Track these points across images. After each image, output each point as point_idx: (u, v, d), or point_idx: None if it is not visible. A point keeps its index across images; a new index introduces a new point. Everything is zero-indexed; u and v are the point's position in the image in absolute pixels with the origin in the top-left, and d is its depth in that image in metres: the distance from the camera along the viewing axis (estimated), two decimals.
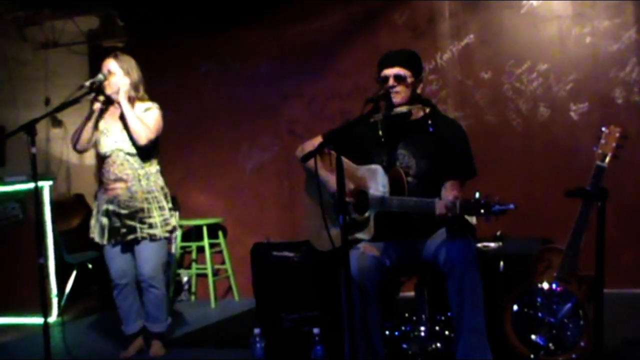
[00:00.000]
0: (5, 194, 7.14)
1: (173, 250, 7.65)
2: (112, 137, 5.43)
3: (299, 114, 7.60)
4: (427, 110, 4.43)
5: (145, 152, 5.42)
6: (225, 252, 7.74)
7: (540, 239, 5.45)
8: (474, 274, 4.05)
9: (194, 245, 7.85)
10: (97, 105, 5.40)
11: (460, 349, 4.08)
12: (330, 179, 4.38)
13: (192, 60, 8.01)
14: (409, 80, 4.31)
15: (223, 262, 7.79)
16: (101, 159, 5.51)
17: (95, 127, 5.44)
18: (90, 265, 7.47)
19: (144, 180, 5.41)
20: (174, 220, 5.57)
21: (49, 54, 8.89)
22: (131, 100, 5.39)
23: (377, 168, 4.26)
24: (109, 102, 5.44)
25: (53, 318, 6.94)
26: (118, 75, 5.35)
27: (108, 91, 5.35)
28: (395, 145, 4.39)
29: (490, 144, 6.69)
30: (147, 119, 5.37)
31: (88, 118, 5.43)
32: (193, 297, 7.92)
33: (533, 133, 6.69)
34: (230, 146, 7.89)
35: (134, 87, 5.40)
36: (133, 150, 5.38)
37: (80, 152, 5.71)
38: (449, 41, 6.96)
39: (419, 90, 4.41)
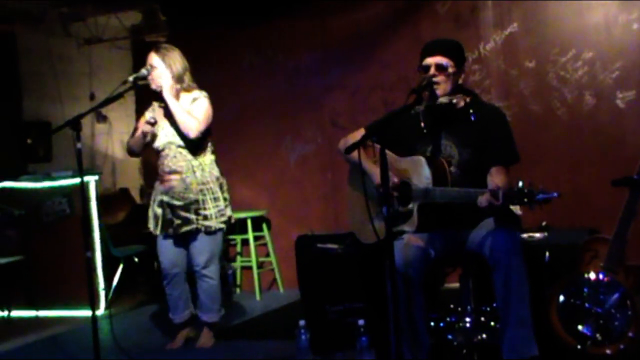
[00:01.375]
0: (53, 189, 7.22)
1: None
2: (163, 131, 5.46)
3: (342, 105, 7.59)
4: (469, 99, 4.40)
5: (196, 144, 5.43)
6: (269, 245, 7.76)
7: (587, 229, 5.40)
8: (520, 266, 4.02)
9: (238, 237, 7.87)
10: (143, 129, 5.43)
11: (506, 343, 4.06)
12: (373, 171, 4.37)
13: (234, 53, 8.03)
14: (451, 69, 4.27)
15: (267, 255, 7.82)
16: (157, 152, 5.55)
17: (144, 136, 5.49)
18: (136, 259, 7.53)
19: (198, 171, 5.43)
20: (229, 211, 5.58)
21: (93, 50, 8.98)
22: (176, 93, 5.41)
23: (420, 159, 4.24)
24: (158, 97, 5.47)
25: (101, 311, 7.02)
26: (160, 69, 5.36)
27: (152, 86, 5.38)
28: (438, 135, 4.36)
29: (535, 134, 6.63)
30: (195, 110, 5.38)
31: (134, 132, 5.51)
32: (238, 290, 7.95)
33: (579, 122, 6.61)
34: (274, 138, 7.91)
35: (178, 79, 5.41)
36: (185, 143, 5.42)
37: (135, 157, 5.74)
38: (492, 30, 6.90)
39: (460, 80, 4.37)
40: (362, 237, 4.66)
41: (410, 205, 4.27)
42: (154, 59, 5.38)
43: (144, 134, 5.44)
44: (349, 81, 7.56)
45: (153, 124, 5.42)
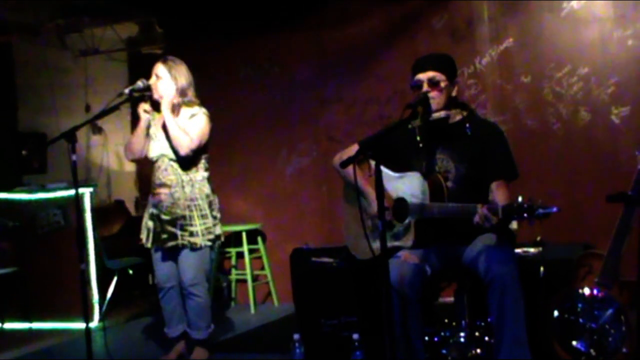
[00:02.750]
0: (47, 201, 7.21)
1: (212, 256, 7.68)
2: (158, 143, 5.42)
3: (338, 119, 7.59)
4: (465, 113, 4.40)
5: (187, 160, 5.38)
6: (264, 258, 7.75)
7: (581, 244, 5.41)
8: (516, 286, 3.99)
9: (233, 251, 7.87)
10: (145, 116, 5.41)
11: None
12: (368, 188, 4.37)
13: (231, 65, 8.04)
14: (443, 84, 4.27)
15: (262, 268, 7.80)
16: (151, 163, 5.52)
17: (147, 134, 5.47)
18: (131, 271, 7.52)
19: (187, 187, 5.39)
20: (217, 230, 5.51)
21: (89, 61, 9.01)
22: (177, 106, 5.38)
23: (416, 175, 4.24)
24: (158, 106, 5.46)
25: (95, 323, 7.00)
26: (165, 79, 5.33)
27: (155, 95, 5.35)
28: (434, 150, 4.36)
29: (531, 149, 6.63)
30: (191, 126, 5.33)
31: (137, 127, 5.46)
32: (233, 303, 7.94)
33: (574, 137, 6.62)
34: (269, 152, 7.90)
35: (181, 92, 5.36)
36: (176, 157, 5.40)
37: (133, 160, 5.70)
38: (488, 45, 6.91)
39: (453, 94, 4.36)
40: (358, 253, 4.63)
41: (407, 221, 4.26)
42: (160, 68, 5.36)
43: (147, 124, 5.42)
44: (345, 95, 7.57)
45: (148, 111, 5.40)
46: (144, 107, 5.39)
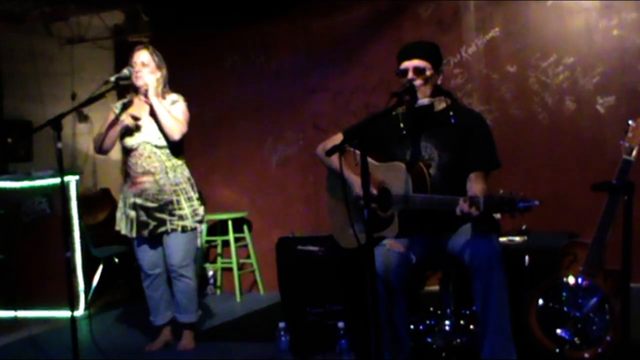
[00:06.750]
0: (33, 189, 7.18)
1: (199, 244, 7.68)
2: (139, 130, 5.42)
3: (324, 108, 7.59)
4: (449, 102, 4.40)
5: (175, 146, 5.41)
6: (250, 246, 7.76)
7: (566, 233, 5.42)
8: (500, 275, 4.01)
9: (219, 239, 7.88)
10: (128, 121, 5.38)
11: (485, 348, 4.06)
12: (352, 177, 4.37)
13: (217, 54, 8.03)
14: (428, 73, 4.27)
15: (248, 256, 7.81)
16: (127, 152, 5.49)
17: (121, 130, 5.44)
18: (116, 259, 7.51)
19: (171, 172, 5.40)
20: (202, 210, 5.56)
21: (75, 49, 8.95)
22: (162, 95, 5.39)
23: (399, 165, 4.23)
24: (135, 93, 5.44)
25: (80, 311, 6.99)
26: (150, 67, 5.34)
27: (139, 82, 5.33)
28: (418, 137, 4.36)
29: (516, 138, 6.66)
30: (175, 112, 5.36)
31: (112, 126, 5.42)
32: (218, 291, 7.95)
33: (559, 127, 6.65)
34: (255, 140, 7.90)
35: (163, 80, 5.40)
36: (161, 143, 5.37)
37: (103, 154, 5.68)
38: (474, 34, 6.92)
39: (439, 82, 4.37)
40: (343, 242, 4.64)
41: (391, 212, 4.27)
42: (145, 55, 5.35)
43: (127, 129, 5.39)
44: (331, 84, 7.57)
45: (138, 119, 5.37)
46: (131, 114, 5.38)
